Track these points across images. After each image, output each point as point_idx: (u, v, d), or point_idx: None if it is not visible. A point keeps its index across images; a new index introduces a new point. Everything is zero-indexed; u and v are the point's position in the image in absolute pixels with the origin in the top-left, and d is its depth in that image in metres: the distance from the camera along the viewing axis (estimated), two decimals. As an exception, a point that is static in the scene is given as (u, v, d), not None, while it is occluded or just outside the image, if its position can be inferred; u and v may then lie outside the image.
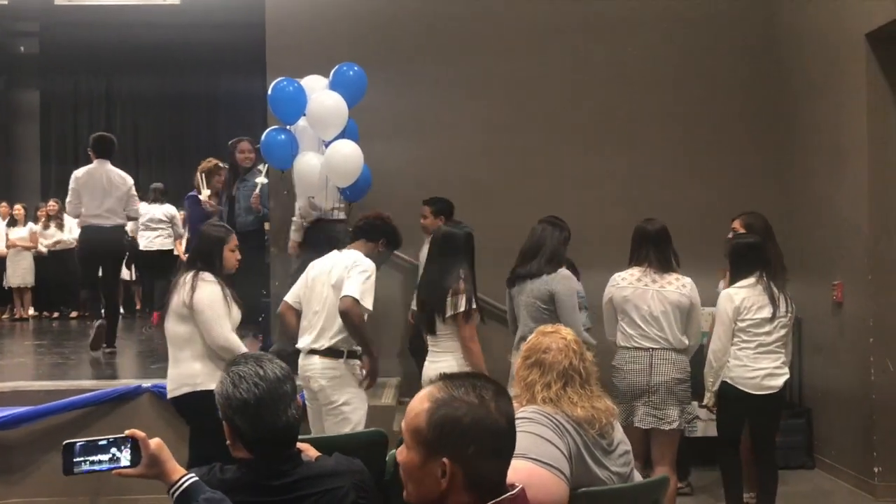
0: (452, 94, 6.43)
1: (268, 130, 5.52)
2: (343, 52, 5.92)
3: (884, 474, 5.14)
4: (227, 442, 2.09)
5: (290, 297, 4.24)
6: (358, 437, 2.98)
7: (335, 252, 4.25)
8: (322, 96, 5.31)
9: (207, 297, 3.86)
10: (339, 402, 4.03)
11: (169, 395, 4.04)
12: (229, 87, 13.38)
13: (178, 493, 1.86)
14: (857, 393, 5.34)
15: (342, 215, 5.69)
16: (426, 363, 4.13)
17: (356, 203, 5.76)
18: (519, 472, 2.28)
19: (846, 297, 5.49)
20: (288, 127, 5.50)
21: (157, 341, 8.03)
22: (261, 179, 6.04)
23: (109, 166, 6.38)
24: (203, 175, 6.66)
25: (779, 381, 4.27)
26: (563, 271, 4.37)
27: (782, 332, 4.30)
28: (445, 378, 1.63)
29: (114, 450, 1.87)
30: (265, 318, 6.34)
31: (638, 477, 2.70)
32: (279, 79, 5.40)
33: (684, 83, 6.44)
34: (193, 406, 3.84)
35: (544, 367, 2.52)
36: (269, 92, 5.39)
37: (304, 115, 5.41)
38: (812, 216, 5.95)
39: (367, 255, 4.18)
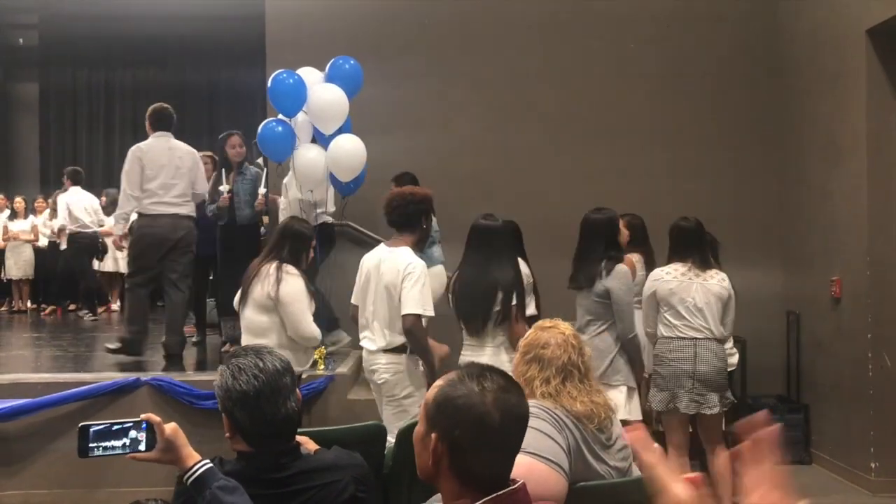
0: (448, 88, 6.43)
1: (264, 122, 5.51)
2: (341, 46, 5.92)
3: (880, 470, 5.15)
4: (227, 434, 2.08)
5: (353, 299, 4.25)
6: (357, 431, 2.98)
7: (382, 246, 4.15)
8: (323, 89, 5.31)
9: (294, 291, 4.00)
10: (401, 395, 4.07)
11: None
12: (229, 79, 13.34)
13: (192, 478, 1.87)
14: (855, 388, 5.35)
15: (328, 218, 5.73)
16: (467, 357, 4.16)
17: (350, 197, 5.79)
18: (518, 466, 2.27)
19: (844, 292, 5.50)
20: (286, 120, 5.49)
21: (155, 335, 8.03)
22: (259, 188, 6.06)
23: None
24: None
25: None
26: (621, 268, 4.37)
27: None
28: (471, 366, 1.69)
29: (129, 434, 1.88)
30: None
31: (637, 472, 2.70)
32: (279, 71, 5.39)
33: (684, 79, 6.44)
34: None
35: (543, 362, 2.53)
36: (269, 84, 5.38)
37: (304, 108, 5.40)
38: (811, 212, 5.95)
39: (414, 245, 4.10)
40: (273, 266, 4.03)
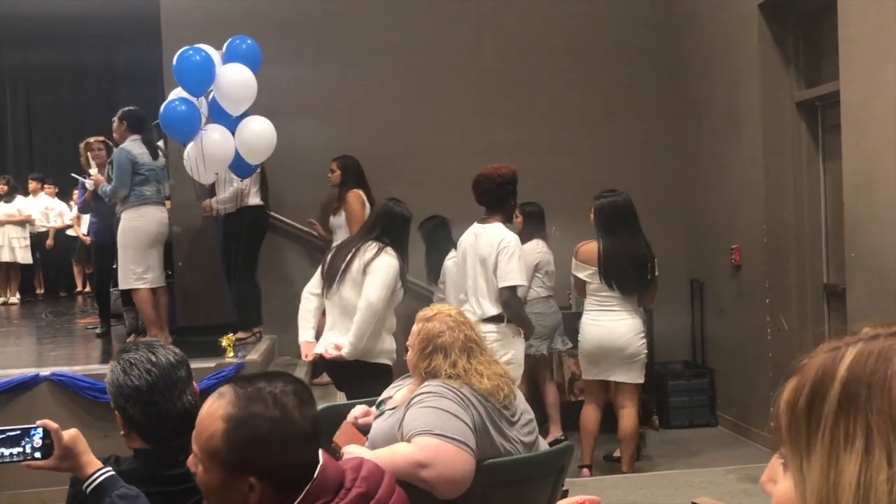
0: (353, 67, 6.34)
1: (167, 101, 5.32)
2: (240, 24, 5.77)
3: (781, 429, 5.37)
4: (121, 432, 2.02)
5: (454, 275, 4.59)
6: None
7: (476, 224, 4.41)
8: (232, 69, 5.16)
9: (386, 264, 3.98)
10: (502, 361, 4.16)
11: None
12: (127, 57, 12.86)
13: (92, 486, 1.80)
14: (756, 352, 5.56)
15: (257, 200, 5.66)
16: (610, 322, 4.69)
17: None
18: (426, 448, 2.30)
19: (744, 260, 5.70)
20: (191, 98, 5.31)
21: (57, 327, 7.76)
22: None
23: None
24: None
25: None
26: None
27: None
28: (237, 388, 1.53)
29: (24, 441, 1.79)
30: (172, 300, 6.18)
31: (544, 445, 2.75)
32: (185, 48, 5.21)
33: (588, 54, 6.52)
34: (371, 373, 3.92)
35: (445, 349, 2.54)
36: (174, 62, 5.18)
37: (212, 87, 5.23)
38: (712, 183, 6.13)
39: (504, 221, 4.37)
40: (374, 245, 4.02)
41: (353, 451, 2.37)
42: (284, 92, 5.97)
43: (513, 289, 4.19)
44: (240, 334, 5.46)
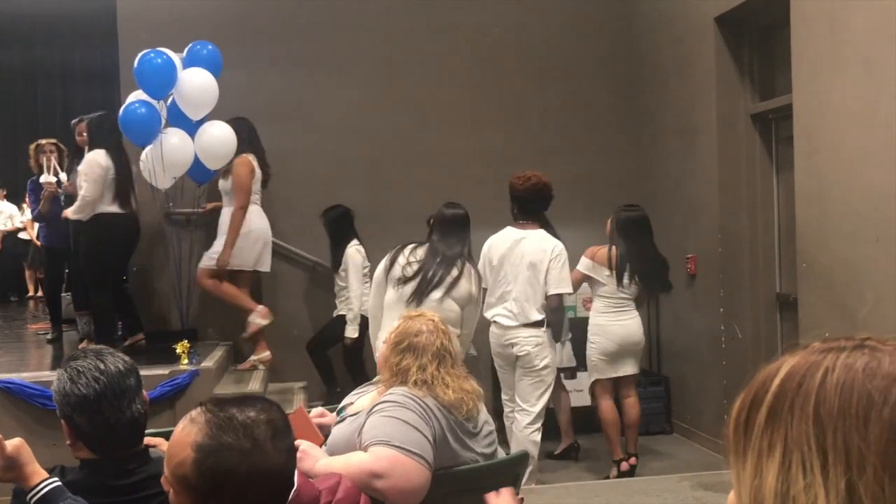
0: (316, 73, 6.31)
1: (126, 104, 5.24)
2: (199, 27, 5.72)
3: (734, 436, 5.44)
4: (68, 442, 1.97)
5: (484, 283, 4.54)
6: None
7: (511, 230, 4.58)
8: (194, 74, 5.11)
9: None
10: (540, 366, 4.50)
11: None
12: (84, 58, 12.63)
13: (36, 498, 1.75)
14: (710, 360, 5.64)
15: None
16: (628, 320, 4.99)
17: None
18: (382, 459, 2.29)
19: (699, 269, 5.77)
20: (151, 101, 5.23)
21: (6, 332, 7.59)
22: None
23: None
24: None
25: None
26: None
27: None
28: (208, 415, 1.50)
29: None
30: (126, 307, 6.07)
31: (501, 454, 2.75)
32: (147, 50, 5.14)
33: (547, 64, 6.56)
34: None
35: (418, 350, 2.53)
36: (136, 64, 5.11)
37: (173, 90, 5.16)
38: (668, 193, 6.20)
39: (543, 227, 4.61)
40: (466, 263, 4.16)
41: (308, 450, 2.34)
42: (245, 97, 5.91)
43: (562, 296, 4.50)
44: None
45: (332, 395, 5.65)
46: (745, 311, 5.47)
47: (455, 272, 4.10)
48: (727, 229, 5.47)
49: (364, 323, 5.34)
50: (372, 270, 4.94)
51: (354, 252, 5.64)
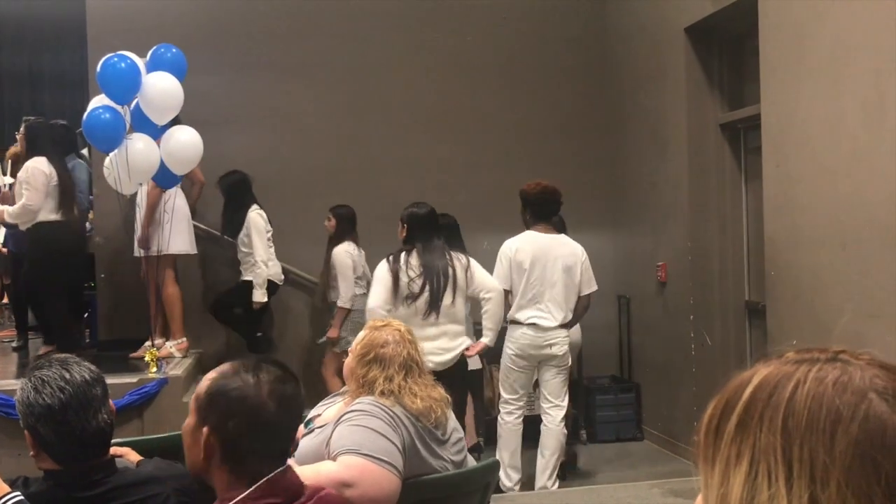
0: (287, 79, 6.28)
1: (90, 109, 5.17)
2: (169, 31, 5.67)
3: (703, 442, 5.48)
4: (31, 453, 1.94)
5: (504, 284, 4.63)
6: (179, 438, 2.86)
7: (535, 234, 4.73)
8: (158, 78, 5.05)
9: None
10: (569, 363, 4.89)
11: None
12: (52, 62, 12.48)
13: None
14: (680, 367, 5.68)
15: None
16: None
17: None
18: (351, 467, 2.27)
19: (669, 276, 5.82)
20: (115, 106, 5.17)
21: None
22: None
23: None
24: (10, 161, 6.17)
25: None
26: None
27: None
28: (239, 363, 1.69)
29: None
30: (92, 313, 6.00)
31: (471, 462, 2.75)
32: (109, 55, 5.07)
33: (520, 72, 6.59)
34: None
35: (384, 361, 2.52)
36: (99, 69, 5.05)
37: (137, 95, 5.10)
38: (640, 201, 6.25)
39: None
40: (455, 255, 4.31)
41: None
42: (210, 102, 5.87)
43: (590, 295, 4.82)
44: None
45: (255, 342, 5.65)
46: (714, 319, 5.52)
47: (449, 270, 4.24)
48: (697, 237, 5.52)
49: (271, 287, 5.53)
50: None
51: (256, 216, 5.56)
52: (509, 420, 4.80)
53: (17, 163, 6.06)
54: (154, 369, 4.72)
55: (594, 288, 4.83)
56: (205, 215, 6.01)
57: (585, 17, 6.68)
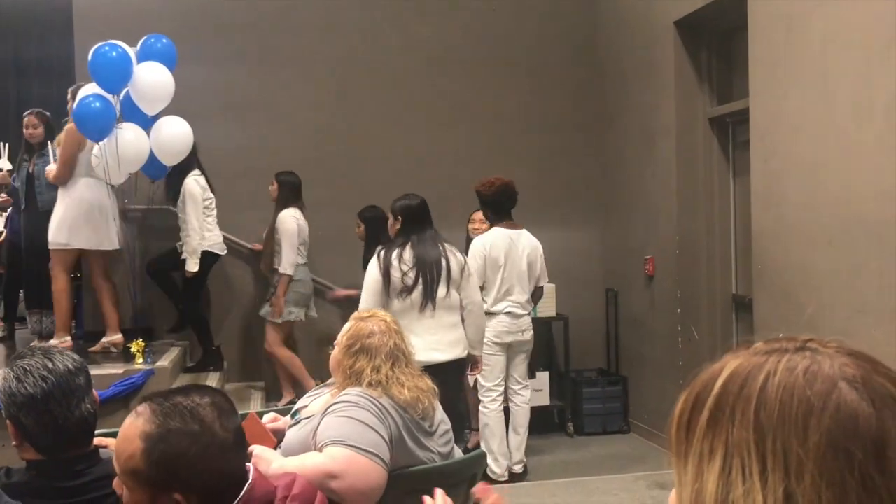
0: (278, 71, 6.26)
1: (80, 98, 5.12)
2: (156, 21, 5.64)
3: (690, 435, 5.51)
4: (14, 443, 1.92)
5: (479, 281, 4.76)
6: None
7: (502, 230, 4.96)
8: (149, 68, 5.01)
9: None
10: (529, 338, 5.18)
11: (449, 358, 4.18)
12: (39, 50, 12.36)
13: None
14: (667, 360, 5.70)
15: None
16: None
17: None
18: (337, 459, 2.27)
19: (657, 270, 5.83)
20: (106, 95, 5.12)
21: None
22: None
23: None
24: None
25: None
26: None
27: None
28: (153, 406, 1.51)
29: None
30: (78, 303, 5.96)
31: (458, 453, 2.75)
32: (101, 43, 5.03)
33: (509, 65, 6.57)
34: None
35: (371, 351, 2.51)
36: (90, 58, 5.00)
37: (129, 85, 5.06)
38: (629, 195, 6.26)
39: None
40: (450, 248, 4.33)
41: (261, 454, 2.31)
42: (199, 92, 5.83)
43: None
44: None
45: (209, 356, 5.59)
46: (701, 313, 5.54)
47: (443, 261, 4.20)
48: (685, 231, 5.53)
49: (205, 258, 5.35)
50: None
51: (192, 183, 5.35)
52: (493, 408, 4.96)
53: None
54: (140, 360, 4.70)
55: (547, 279, 5.26)
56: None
57: (576, 12, 6.67)
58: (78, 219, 5.03)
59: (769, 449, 0.68)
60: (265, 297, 5.76)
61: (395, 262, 4.12)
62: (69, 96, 5.30)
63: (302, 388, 5.45)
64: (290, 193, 5.64)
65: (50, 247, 5.08)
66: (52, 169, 5.14)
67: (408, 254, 4.16)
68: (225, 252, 5.64)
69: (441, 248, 4.24)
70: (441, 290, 4.17)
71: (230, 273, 6.19)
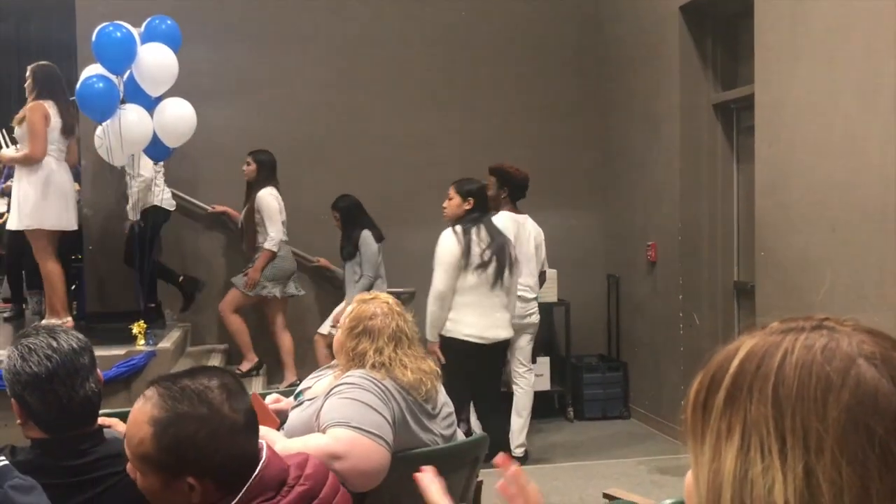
0: (281, 51, 6.23)
1: (83, 78, 5.10)
2: (162, 3, 5.60)
3: (690, 421, 5.53)
4: (18, 422, 1.93)
5: None
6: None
7: (510, 214, 5.02)
8: (154, 49, 5.00)
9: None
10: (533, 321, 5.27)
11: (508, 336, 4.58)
12: (41, 30, 12.32)
13: None
14: (668, 346, 5.70)
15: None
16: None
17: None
18: (341, 440, 2.27)
19: (659, 256, 5.83)
20: (109, 75, 5.10)
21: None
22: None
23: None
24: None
25: None
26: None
27: None
28: (161, 390, 1.51)
29: None
30: (79, 285, 5.97)
31: (461, 436, 2.76)
32: (105, 24, 5.01)
33: (513, 49, 6.55)
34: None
35: (374, 333, 2.51)
36: (94, 38, 4.98)
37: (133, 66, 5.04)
38: (630, 180, 6.25)
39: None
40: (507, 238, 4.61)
41: (265, 435, 2.32)
42: (203, 73, 5.82)
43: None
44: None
45: (148, 313, 5.45)
46: (703, 299, 5.54)
47: (508, 247, 4.53)
48: (687, 217, 5.53)
49: (160, 213, 5.42)
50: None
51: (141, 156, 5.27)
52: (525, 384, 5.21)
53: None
54: (142, 341, 4.71)
55: (547, 265, 5.37)
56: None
57: (581, -5, 6.63)
58: (48, 197, 4.94)
59: (788, 426, 0.68)
60: (243, 269, 5.71)
61: (475, 237, 4.44)
62: (28, 74, 5.26)
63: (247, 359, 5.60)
64: (270, 172, 5.65)
65: (25, 230, 4.98)
66: (19, 151, 5.08)
67: (483, 232, 4.48)
68: (174, 208, 5.62)
69: (502, 234, 4.57)
70: (506, 272, 4.49)
71: (214, 247, 6.15)
